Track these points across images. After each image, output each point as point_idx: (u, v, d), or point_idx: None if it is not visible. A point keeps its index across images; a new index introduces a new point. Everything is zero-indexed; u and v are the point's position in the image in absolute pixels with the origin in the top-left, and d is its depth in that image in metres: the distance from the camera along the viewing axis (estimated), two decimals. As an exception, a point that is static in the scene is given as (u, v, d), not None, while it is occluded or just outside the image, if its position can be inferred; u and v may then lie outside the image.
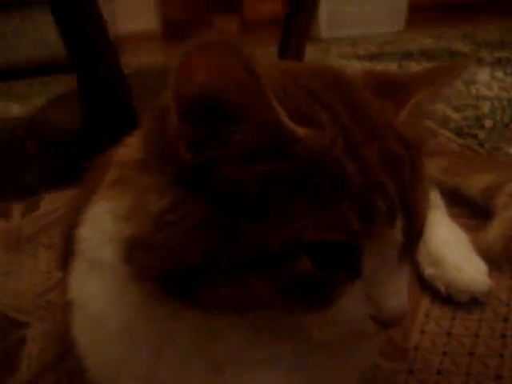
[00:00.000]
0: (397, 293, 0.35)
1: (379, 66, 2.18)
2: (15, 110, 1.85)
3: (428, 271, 0.73)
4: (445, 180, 0.91)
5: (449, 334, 0.65)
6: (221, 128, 0.31)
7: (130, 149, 0.39)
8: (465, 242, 0.75)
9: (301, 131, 0.31)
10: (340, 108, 0.34)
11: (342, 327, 0.35)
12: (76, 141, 1.22)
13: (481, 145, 1.24)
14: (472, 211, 0.89)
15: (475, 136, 1.30)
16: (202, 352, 0.38)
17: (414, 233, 0.36)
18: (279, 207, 0.31)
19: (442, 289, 0.70)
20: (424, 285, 0.73)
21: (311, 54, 2.52)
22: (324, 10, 2.89)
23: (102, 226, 0.38)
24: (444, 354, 0.62)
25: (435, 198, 0.83)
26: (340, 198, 0.31)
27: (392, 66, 2.16)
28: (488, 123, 1.38)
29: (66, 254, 0.45)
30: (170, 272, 0.33)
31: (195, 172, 0.32)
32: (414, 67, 2.12)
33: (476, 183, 0.89)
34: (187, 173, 0.32)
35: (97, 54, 1.12)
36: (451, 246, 0.73)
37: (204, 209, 0.32)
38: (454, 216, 0.83)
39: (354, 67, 2.22)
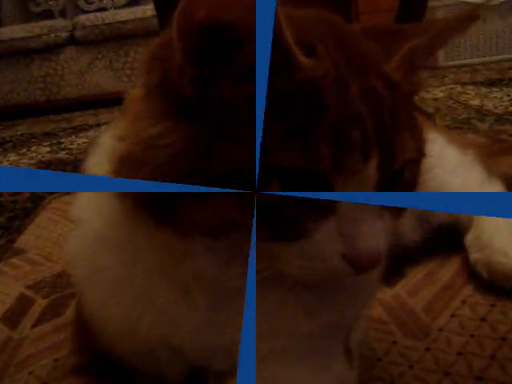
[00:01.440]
0: (370, 235, 0.34)
1: (498, 93, 2.04)
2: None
3: (473, 256, 0.67)
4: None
5: (483, 319, 0.58)
6: (225, 52, 0.33)
7: (138, 89, 0.44)
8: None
9: (303, 59, 0.33)
10: (333, 46, 0.35)
11: (315, 263, 0.35)
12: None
13: None
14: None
15: None
16: (168, 271, 0.40)
17: (393, 175, 0.35)
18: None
19: (485, 273, 0.63)
20: (471, 274, 0.67)
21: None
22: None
23: (103, 146, 0.42)
24: (472, 336, 0.56)
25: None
26: (316, 128, 0.32)
27: (512, 93, 2.01)
28: None
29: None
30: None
31: (192, 102, 0.34)
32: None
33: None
34: (184, 104, 0.34)
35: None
36: (502, 233, 0.66)
37: (191, 135, 0.33)
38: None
39: (470, 93, 2.11)
